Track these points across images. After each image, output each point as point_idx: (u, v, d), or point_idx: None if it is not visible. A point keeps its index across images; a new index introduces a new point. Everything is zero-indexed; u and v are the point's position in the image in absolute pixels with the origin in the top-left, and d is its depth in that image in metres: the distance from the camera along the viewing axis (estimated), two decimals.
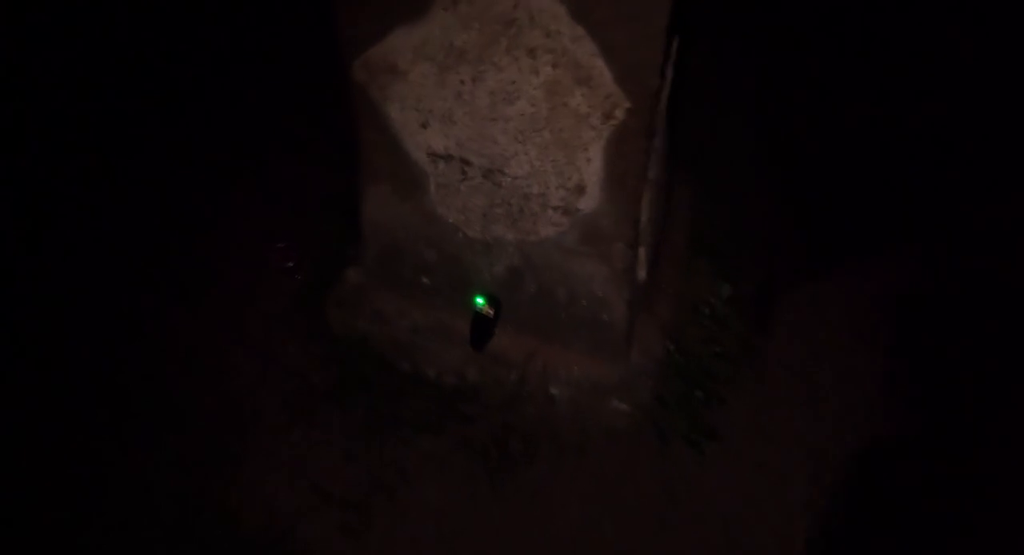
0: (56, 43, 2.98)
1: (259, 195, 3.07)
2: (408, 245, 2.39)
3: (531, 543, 2.19)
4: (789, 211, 3.02)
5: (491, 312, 2.39)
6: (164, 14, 3.19)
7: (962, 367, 2.36)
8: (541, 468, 2.35)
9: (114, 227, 2.87)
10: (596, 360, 2.46)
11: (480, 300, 2.39)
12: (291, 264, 2.83)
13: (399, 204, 2.27)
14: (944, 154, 3.04)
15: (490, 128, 1.90)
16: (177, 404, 2.41)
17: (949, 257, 2.72)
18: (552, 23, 1.59)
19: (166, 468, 2.23)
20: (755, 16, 3.39)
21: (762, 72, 3.35)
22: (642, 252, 2.25)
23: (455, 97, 1.87)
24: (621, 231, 2.07)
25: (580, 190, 2.00)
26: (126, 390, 2.43)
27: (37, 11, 2.83)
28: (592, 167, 1.93)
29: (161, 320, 2.64)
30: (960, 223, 2.81)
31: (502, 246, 2.21)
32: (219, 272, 2.80)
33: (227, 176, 3.13)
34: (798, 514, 2.17)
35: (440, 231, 2.28)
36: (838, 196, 3.01)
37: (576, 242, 2.11)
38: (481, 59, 1.74)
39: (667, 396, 2.51)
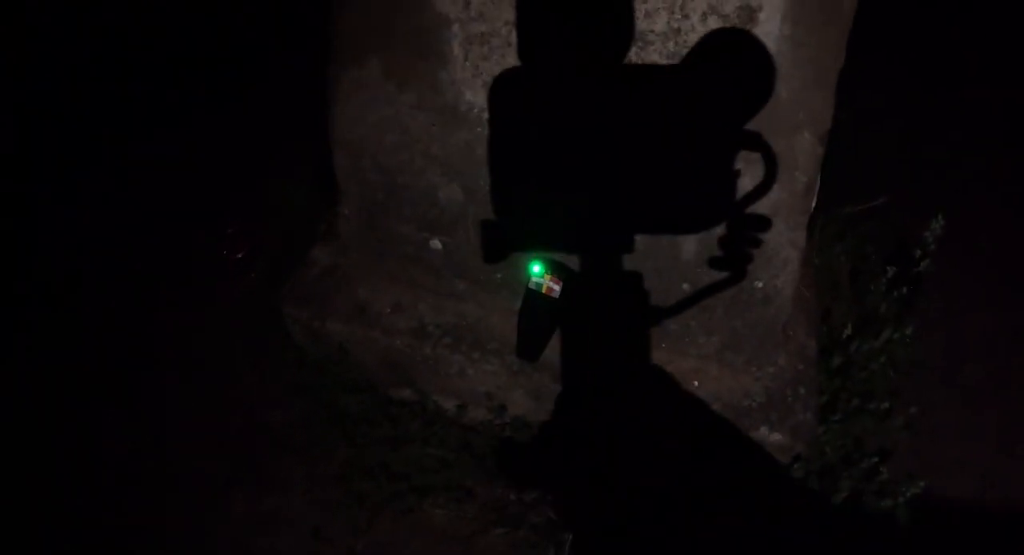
0: None
1: (197, 162, 2.36)
2: (409, 179, 1.36)
3: None
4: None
5: (556, 289, 1.34)
6: None
7: None
8: None
9: None
10: (729, 366, 1.42)
11: (538, 268, 1.35)
12: (241, 255, 2.08)
13: (395, 96, 1.26)
14: None
15: None
16: (75, 452, 1.79)
17: None
18: None
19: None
20: None
21: None
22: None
23: None
24: (811, 108, 1.08)
25: (748, 18, 1.02)
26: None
27: None
28: None
29: (65, 335, 2.02)
30: None
31: (609, 152, 1.20)
32: (146, 269, 2.14)
33: (150, 147, 2.44)
34: None
35: (468, 140, 1.27)
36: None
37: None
38: None
39: (832, 416, 1.50)
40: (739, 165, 1.16)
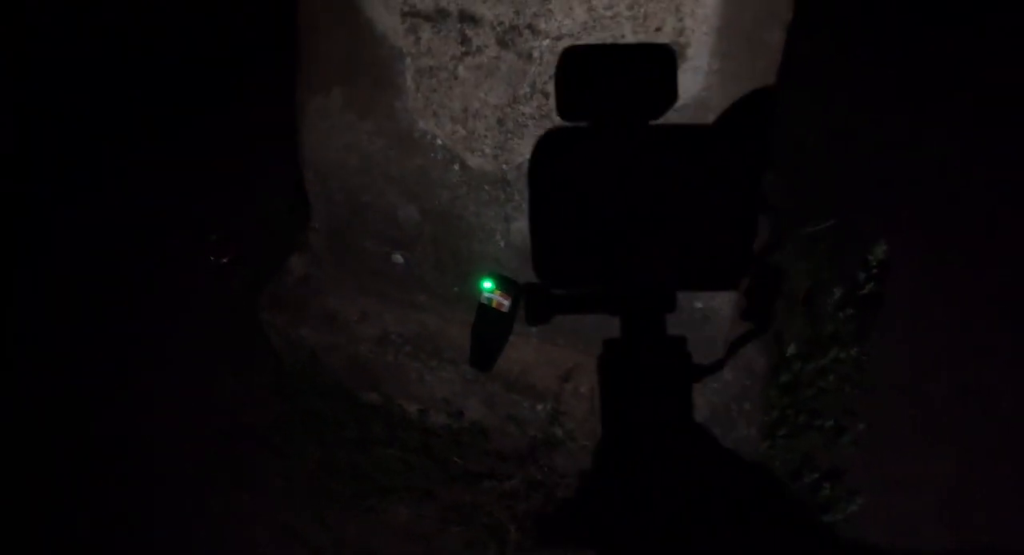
0: None
1: (187, 179, 2.39)
2: (371, 199, 1.41)
3: None
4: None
5: (505, 303, 1.38)
6: None
7: None
8: None
9: None
10: None
11: (488, 284, 1.39)
12: (225, 260, 2.12)
13: (356, 123, 1.31)
14: None
15: None
16: (63, 448, 1.83)
17: None
18: None
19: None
20: None
21: None
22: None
23: None
24: (747, 136, 1.11)
25: (679, 55, 1.05)
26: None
27: None
28: (703, 6, 1.00)
29: (55, 335, 2.06)
30: None
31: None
32: (132, 270, 2.18)
33: (147, 149, 2.48)
34: None
35: (422, 165, 1.31)
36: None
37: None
38: None
39: (778, 431, 1.52)
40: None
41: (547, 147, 1.07)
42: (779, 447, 1.59)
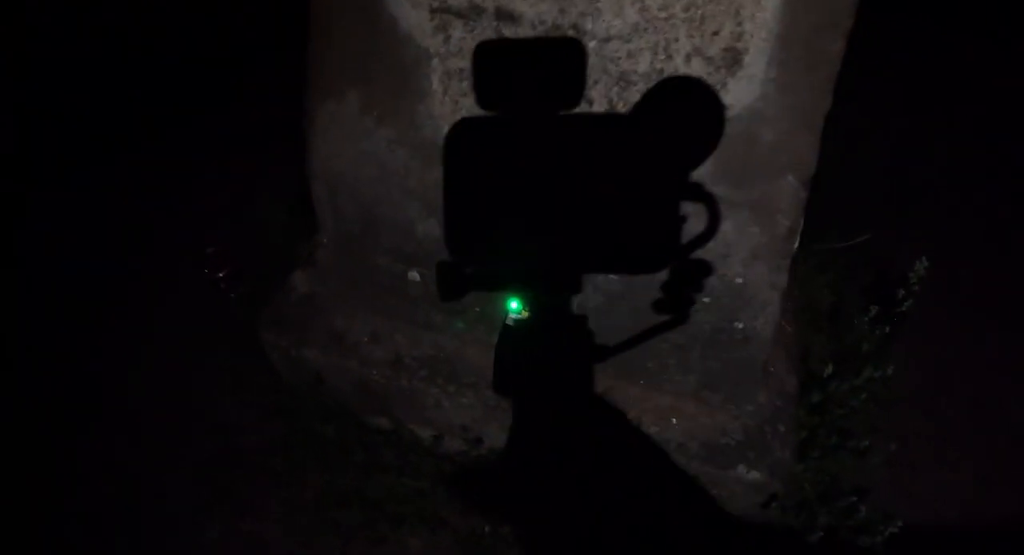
0: None
1: (186, 181, 2.29)
2: (387, 212, 1.31)
3: None
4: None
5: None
6: None
7: None
8: None
9: None
10: (706, 403, 1.38)
11: (515, 304, 1.31)
12: (222, 274, 1.98)
13: (373, 131, 1.21)
14: None
15: None
16: (44, 472, 1.71)
17: None
18: None
19: None
20: None
21: None
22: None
23: None
24: (796, 151, 1.04)
25: (733, 61, 0.98)
26: None
27: None
28: (764, 10, 0.92)
29: (38, 346, 1.94)
30: None
31: (564, 196, 1.15)
32: (124, 284, 2.08)
33: (146, 150, 2.39)
34: None
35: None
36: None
37: (709, 174, 1.07)
38: None
39: (811, 453, 1.46)
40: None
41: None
42: (811, 469, 1.52)
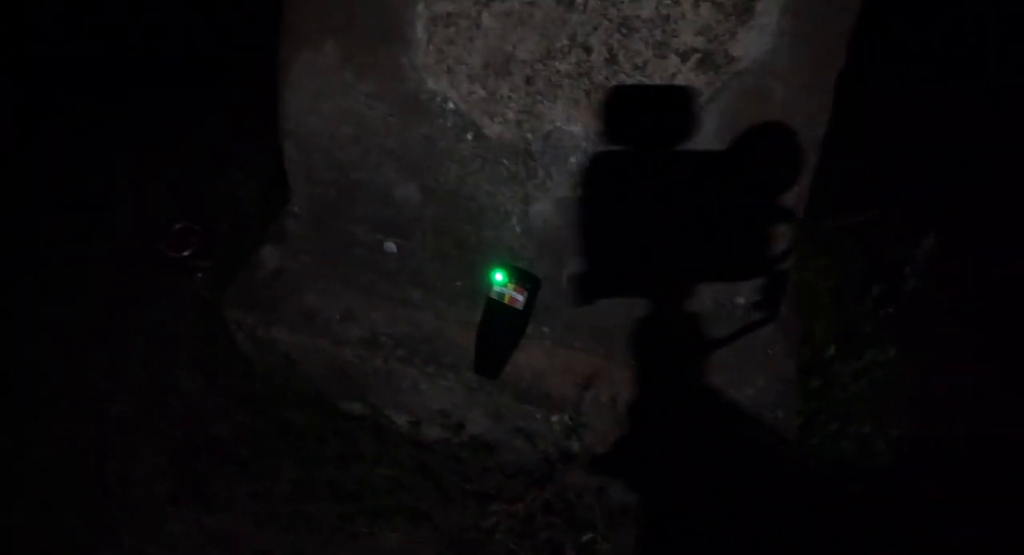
0: None
1: (149, 154, 2.20)
2: (364, 176, 1.22)
3: None
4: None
5: (520, 299, 1.22)
6: None
7: None
8: None
9: None
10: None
11: (501, 276, 1.22)
12: (187, 253, 1.90)
13: (352, 85, 1.12)
14: None
15: None
16: (11, 464, 1.62)
17: None
18: None
19: None
20: None
21: None
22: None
23: None
24: (808, 109, 0.98)
25: (744, 8, 0.91)
26: None
27: None
28: None
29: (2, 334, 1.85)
30: None
31: (557, 155, 1.07)
32: (86, 263, 1.99)
33: (107, 129, 2.31)
34: None
35: (429, 134, 1.13)
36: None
37: (713, 136, 1.00)
38: None
39: (811, 439, 1.41)
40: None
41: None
42: (812, 455, 1.46)
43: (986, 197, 2.09)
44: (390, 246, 1.31)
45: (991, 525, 1.56)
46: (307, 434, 1.58)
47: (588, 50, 0.97)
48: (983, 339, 1.81)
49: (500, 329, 1.29)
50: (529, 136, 1.07)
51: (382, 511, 1.51)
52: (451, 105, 1.08)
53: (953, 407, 1.71)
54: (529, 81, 1.01)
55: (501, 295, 1.23)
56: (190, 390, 1.74)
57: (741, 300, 1.22)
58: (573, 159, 1.08)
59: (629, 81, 0.98)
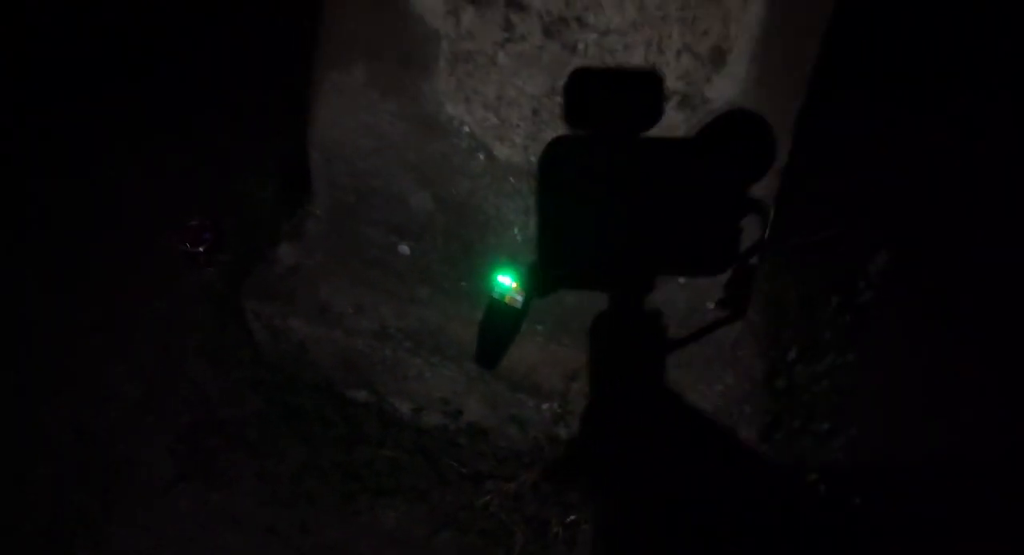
0: None
1: (166, 153, 2.31)
2: (381, 184, 1.38)
3: None
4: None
5: (519, 299, 1.38)
6: None
7: None
8: None
9: None
10: (678, 383, 1.49)
11: (504, 278, 1.39)
12: (202, 249, 2.03)
13: (377, 103, 1.28)
14: None
15: None
16: (15, 439, 1.72)
17: None
18: None
19: None
20: None
21: None
22: None
23: None
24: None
25: (718, 58, 1.08)
26: None
27: None
28: (748, 15, 1.03)
29: (17, 320, 1.95)
30: None
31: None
32: (102, 256, 2.08)
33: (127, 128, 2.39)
34: None
35: (444, 152, 1.29)
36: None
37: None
38: None
39: (775, 434, 1.58)
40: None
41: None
42: (775, 449, 1.64)
43: (940, 216, 2.27)
44: (403, 248, 1.47)
45: (939, 518, 1.70)
46: (314, 418, 1.70)
47: None
48: (936, 345, 1.98)
49: (500, 325, 1.47)
50: (532, 159, 1.24)
51: (383, 491, 1.64)
52: (466, 128, 1.24)
53: (907, 408, 1.87)
54: (535, 112, 1.18)
55: (502, 295, 1.40)
56: (200, 376, 1.84)
57: (711, 304, 1.40)
58: None
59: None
